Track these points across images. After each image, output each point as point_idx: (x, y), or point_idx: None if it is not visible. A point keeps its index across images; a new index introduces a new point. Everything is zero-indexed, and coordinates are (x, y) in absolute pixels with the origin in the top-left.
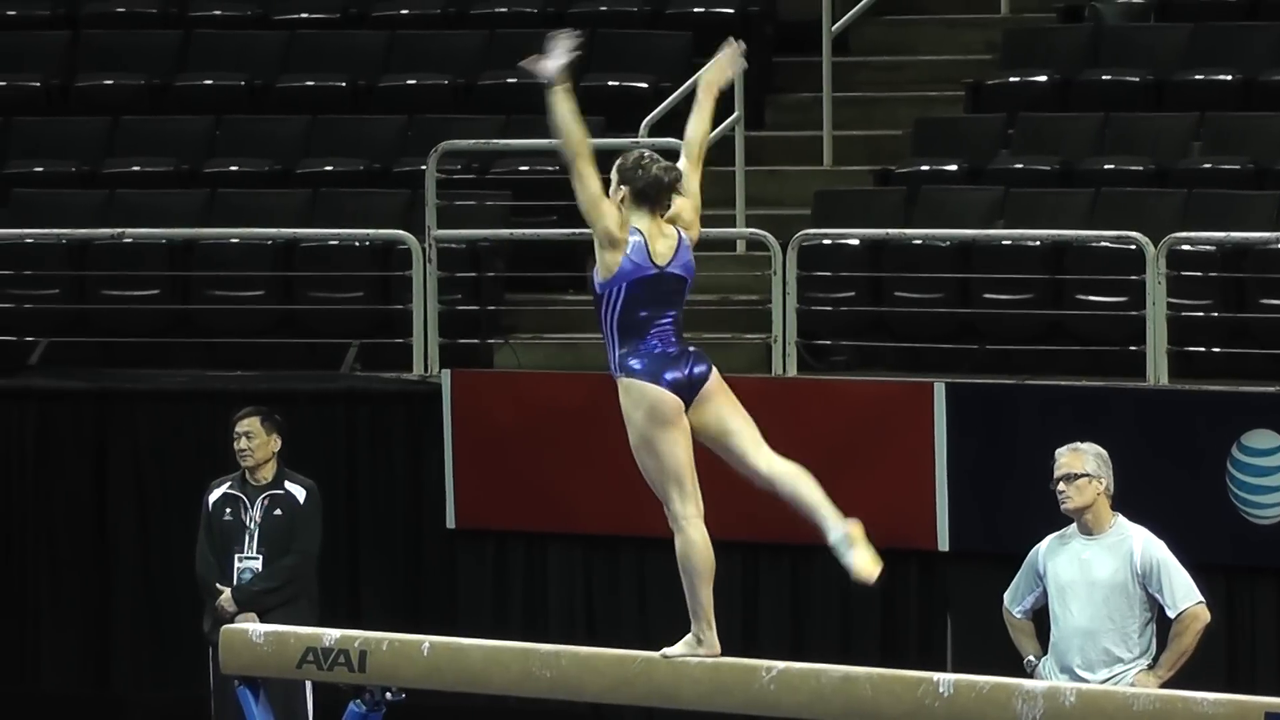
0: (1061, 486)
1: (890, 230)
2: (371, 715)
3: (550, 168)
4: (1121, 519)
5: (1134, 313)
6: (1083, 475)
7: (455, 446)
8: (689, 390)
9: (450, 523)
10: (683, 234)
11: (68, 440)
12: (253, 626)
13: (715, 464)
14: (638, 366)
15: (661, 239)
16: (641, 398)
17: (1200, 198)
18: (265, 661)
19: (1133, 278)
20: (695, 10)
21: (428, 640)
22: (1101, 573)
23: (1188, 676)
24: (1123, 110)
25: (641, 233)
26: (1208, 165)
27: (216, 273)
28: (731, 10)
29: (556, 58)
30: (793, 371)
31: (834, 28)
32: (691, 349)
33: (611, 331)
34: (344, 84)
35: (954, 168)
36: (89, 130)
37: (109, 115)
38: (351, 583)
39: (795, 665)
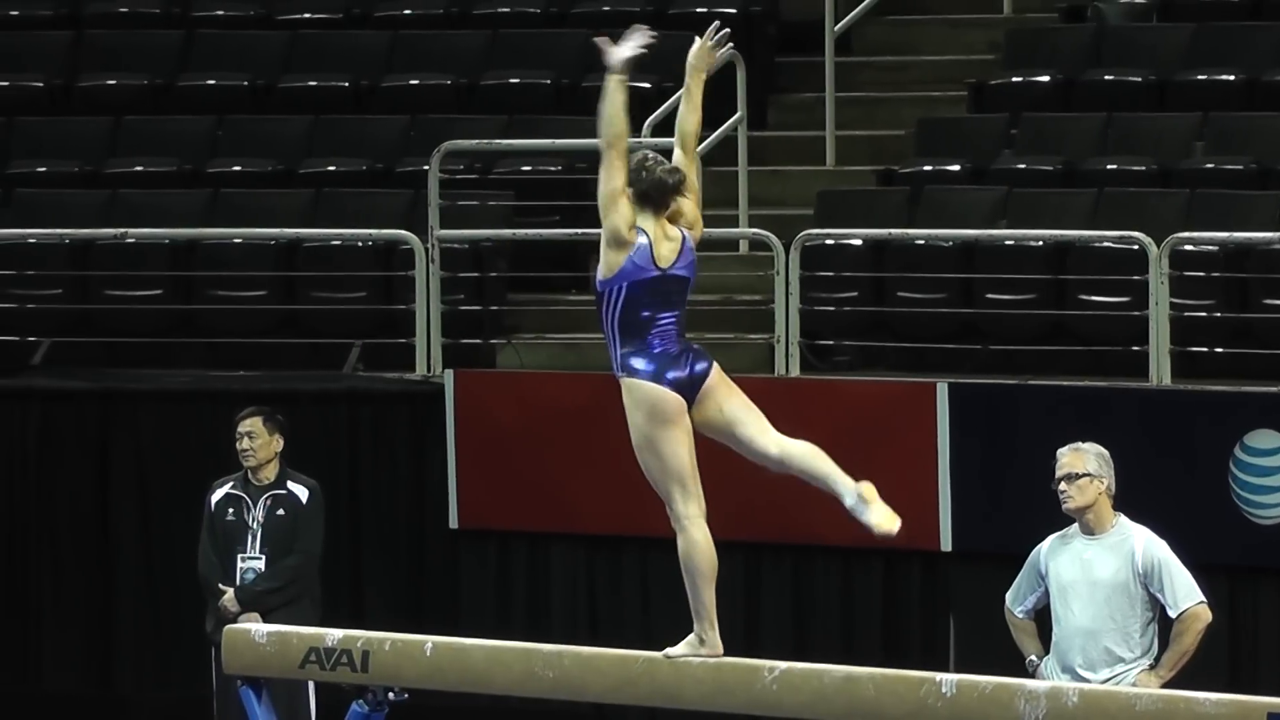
0: (1063, 486)
1: (893, 230)
2: (374, 715)
3: (553, 168)
4: (1123, 519)
5: (1136, 313)
6: (1084, 475)
7: (458, 446)
8: (690, 388)
9: (453, 523)
10: (687, 235)
11: (70, 440)
12: (255, 626)
13: (717, 464)
14: (640, 366)
15: (666, 241)
16: (643, 398)
17: (1203, 198)
18: (268, 661)
19: (1135, 278)
20: (698, 10)
21: (430, 640)
22: (1103, 572)
23: (1190, 677)
24: (1125, 110)
25: (647, 235)
26: (1210, 165)
27: (219, 273)
28: (734, 10)
29: (626, 49)
30: (795, 372)
31: (837, 28)
32: (692, 347)
33: (612, 330)
34: (346, 84)
35: (957, 168)
36: (91, 130)
37: (111, 115)
38: (354, 583)
39: (798, 665)
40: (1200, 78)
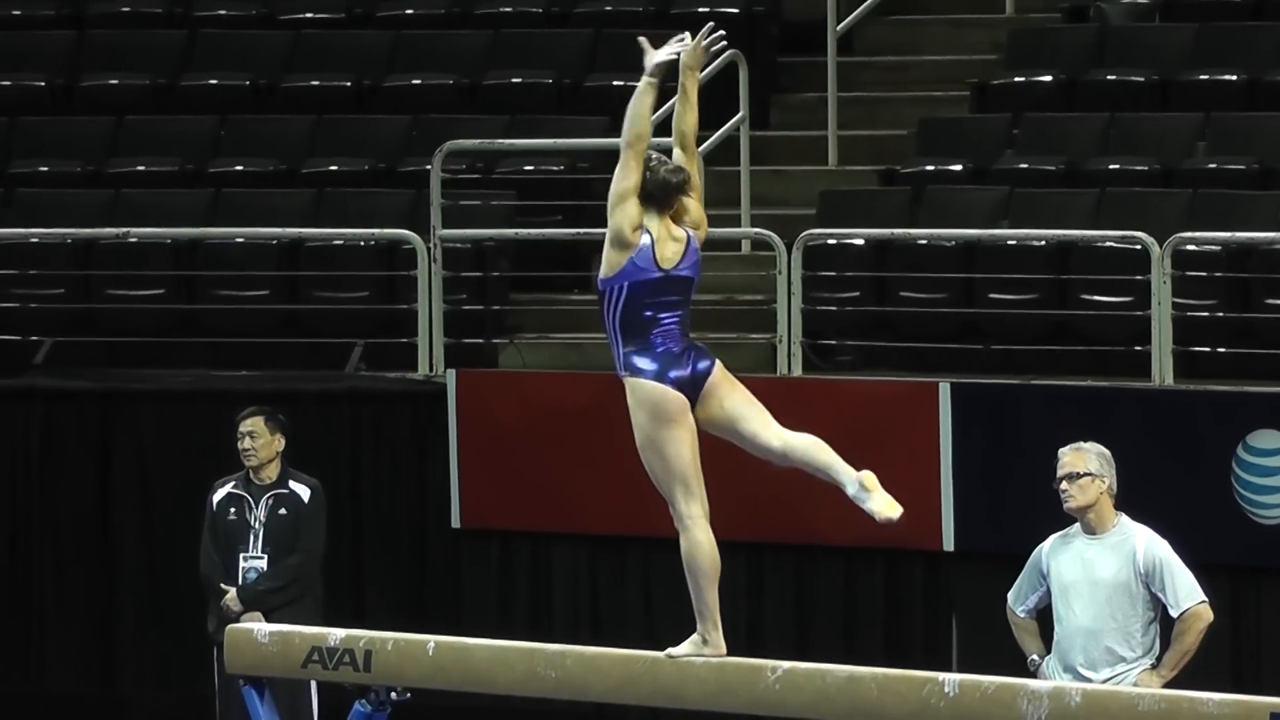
0: (1064, 485)
1: (895, 230)
2: (376, 715)
3: (555, 167)
4: (1125, 518)
5: (1139, 313)
6: (1085, 474)
7: (460, 446)
8: (693, 387)
9: (455, 522)
10: (692, 235)
11: (72, 440)
12: (258, 626)
13: (720, 463)
14: (642, 366)
15: (670, 242)
16: (646, 397)
17: (1205, 198)
18: (270, 661)
19: (1138, 278)
20: (700, 10)
21: (433, 640)
22: (1104, 572)
23: (1193, 676)
24: (1128, 110)
25: (650, 235)
26: (1213, 165)
27: (221, 272)
28: (736, 10)
29: (662, 52)
30: (798, 371)
31: (839, 27)
32: (695, 345)
33: (614, 329)
34: (349, 84)
35: (959, 168)
36: (94, 130)
37: (114, 115)
38: (356, 582)
39: (800, 665)
40: (1203, 78)
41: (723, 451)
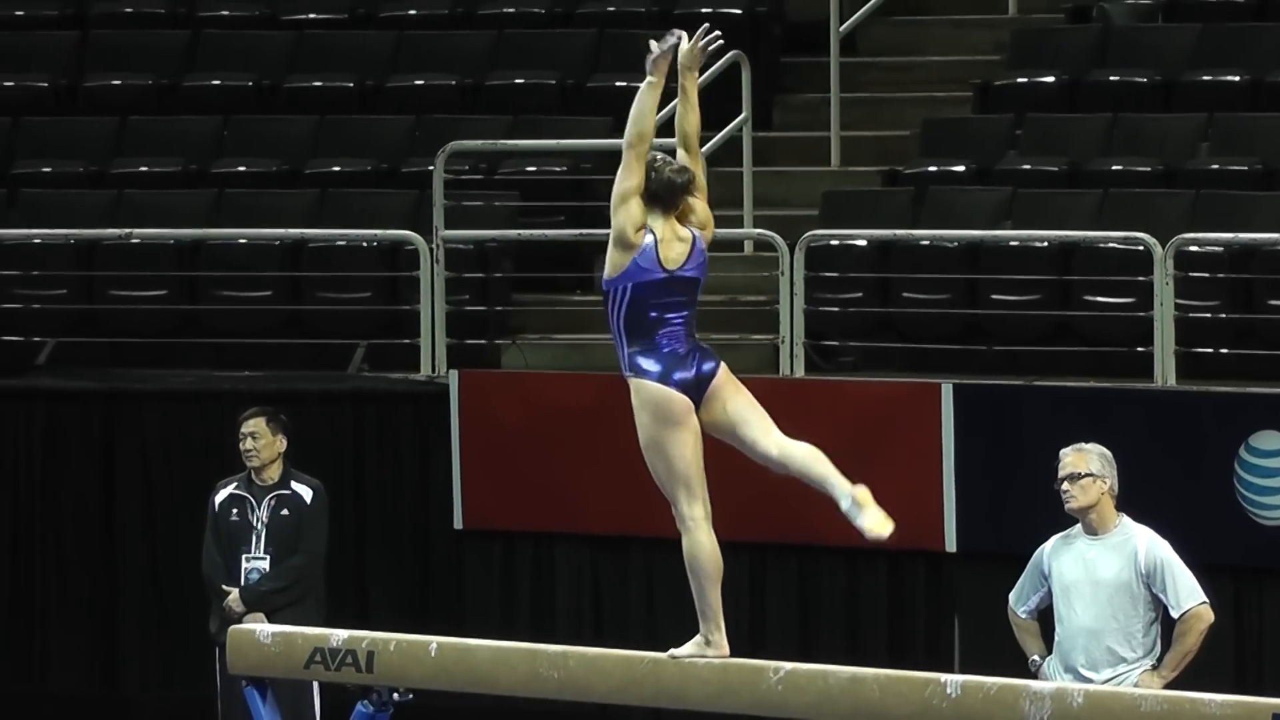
0: (1066, 486)
1: (898, 231)
2: (379, 715)
3: (558, 168)
4: (1126, 519)
5: (1141, 314)
6: (1087, 475)
7: (463, 447)
8: (697, 389)
9: (458, 523)
10: (698, 235)
11: (75, 440)
12: (260, 627)
13: (722, 464)
14: (647, 366)
15: (676, 242)
16: (650, 398)
17: (1208, 198)
18: (273, 662)
19: (1140, 279)
20: (703, 11)
21: (435, 641)
22: (1106, 572)
23: (1195, 677)
24: (1131, 111)
25: (654, 235)
26: (1216, 166)
27: (224, 273)
28: (739, 11)
29: (656, 50)
30: (800, 372)
31: (842, 28)
32: (700, 347)
33: (619, 330)
34: (352, 84)
35: (962, 168)
36: (97, 130)
37: (117, 115)
38: (359, 583)
39: (803, 666)
40: (1205, 78)
41: (726, 452)
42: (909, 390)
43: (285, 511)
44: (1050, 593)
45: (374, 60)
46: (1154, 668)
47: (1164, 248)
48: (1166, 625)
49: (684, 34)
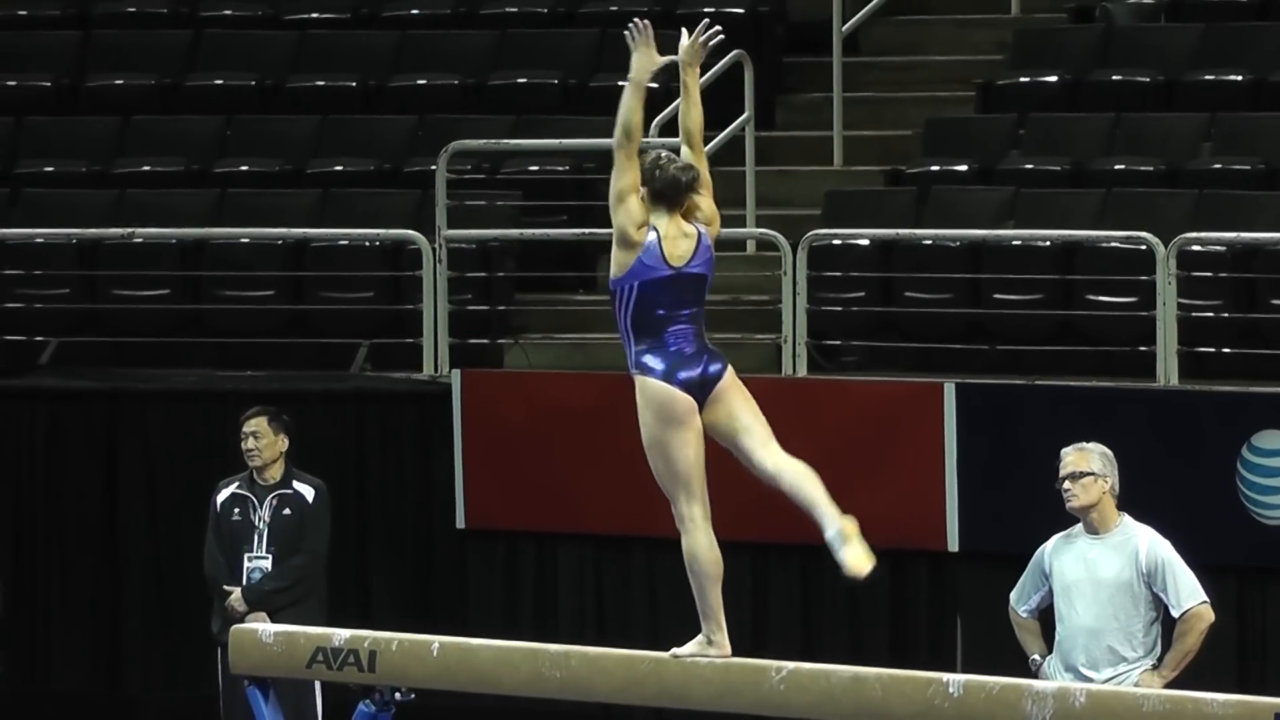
0: (1067, 485)
1: (900, 230)
2: (381, 715)
3: (561, 167)
4: (1127, 518)
5: (1144, 313)
6: (1088, 474)
7: (465, 446)
8: (702, 389)
9: (460, 523)
10: (703, 231)
11: (78, 440)
12: (262, 626)
13: (725, 463)
14: (652, 365)
15: (682, 239)
16: (654, 397)
17: (1210, 198)
18: (275, 661)
19: (1143, 278)
20: (705, 10)
21: (437, 640)
22: (1107, 572)
23: (1197, 677)
24: (1133, 110)
25: (658, 233)
26: (1218, 166)
27: (227, 273)
28: (742, 10)
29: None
30: (803, 372)
31: (844, 28)
32: (709, 348)
33: (627, 329)
34: (354, 84)
35: (964, 168)
36: (99, 130)
37: (119, 115)
38: (361, 583)
39: (805, 666)
40: (1208, 78)
41: (728, 451)
42: (911, 390)
43: (287, 511)
44: (1051, 592)
45: (376, 60)
46: (1154, 667)
47: (1166, 247)
48: (1167, 625)
49: (684, 29)
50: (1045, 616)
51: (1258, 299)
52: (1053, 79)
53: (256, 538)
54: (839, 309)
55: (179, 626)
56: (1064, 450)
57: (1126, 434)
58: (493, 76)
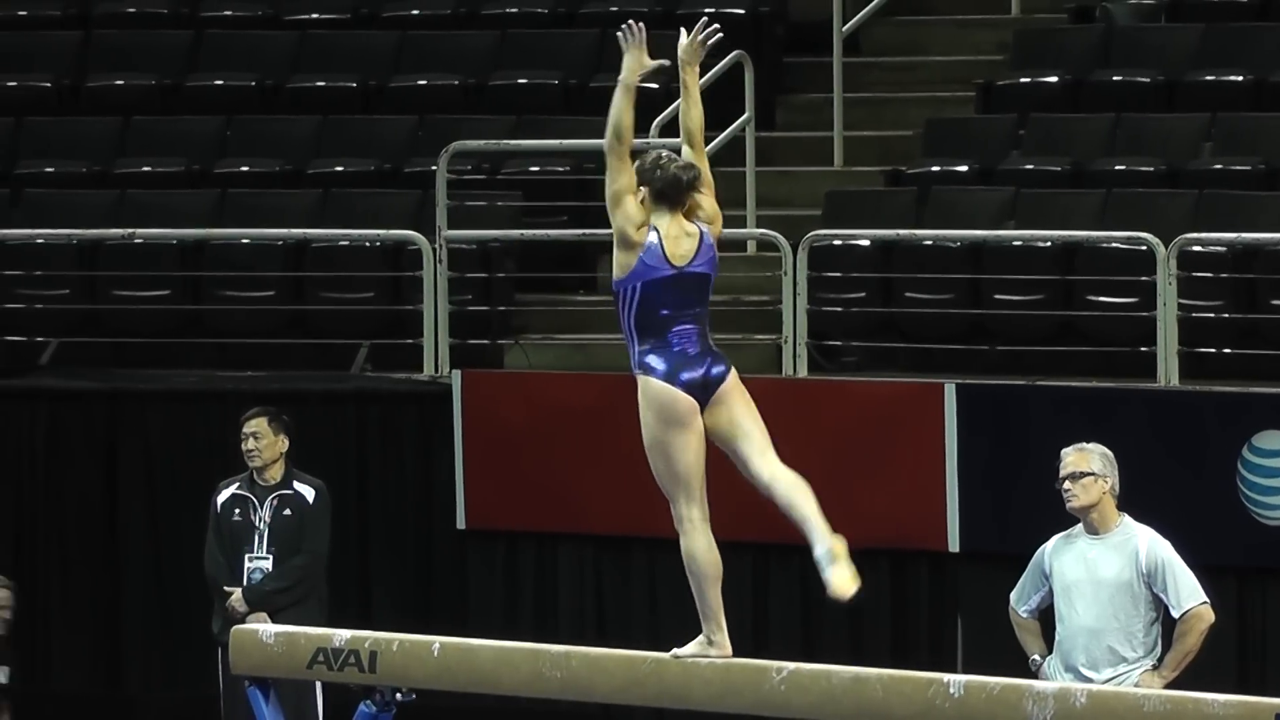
0: (1067, 485)
1: (901, 231)
2: (382, 715)
3: (561, 168)
4: (1127, 519)
5: (1145, 313)
6: (1088, 474)
7: (465, 447)
8: (704, 391)
9: (461, 523)
10: (705, 230)
11: (78, 440)
12: (263, 627)
13: (727, 462)
14: (655, 365)
15: (684, 238)
16: (655, 397)
17: (1211, 198)
18: (276, 662)
19: (1143, 278)
20: (706, 10)
21: (438, 641)
22: (1107, 572)
23: (1197, 677)
24: (1134, 111)
25: (659, 233)
26: (1219, 166)
27: (227, 273)
28: (742, 11)
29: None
30: (803, 372)
31: (845, 28)
32: (713, 350)
33: (630, 330)
34: (355, 84)
35: (965, 168)
36: (100, 130)
37: (120, 115)
38: (362, 583)
39: (806, 666)
40: (1209, 78)
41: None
42: (912, 390)
43: (288, 511)
44: (1051, 592)
45: (377, 60)
46: (1154, 668)
47: (1167, 248)
48: (1167, 625)
49: (683, 29)
50: (1045, 616)
51: (1258, 299)
52: (1053, 79)
53: (257, 538)
54: (839, 309)
55: (179, 627)
56: (1064, 450)
57: (1127, 434)
58: (493, 77)
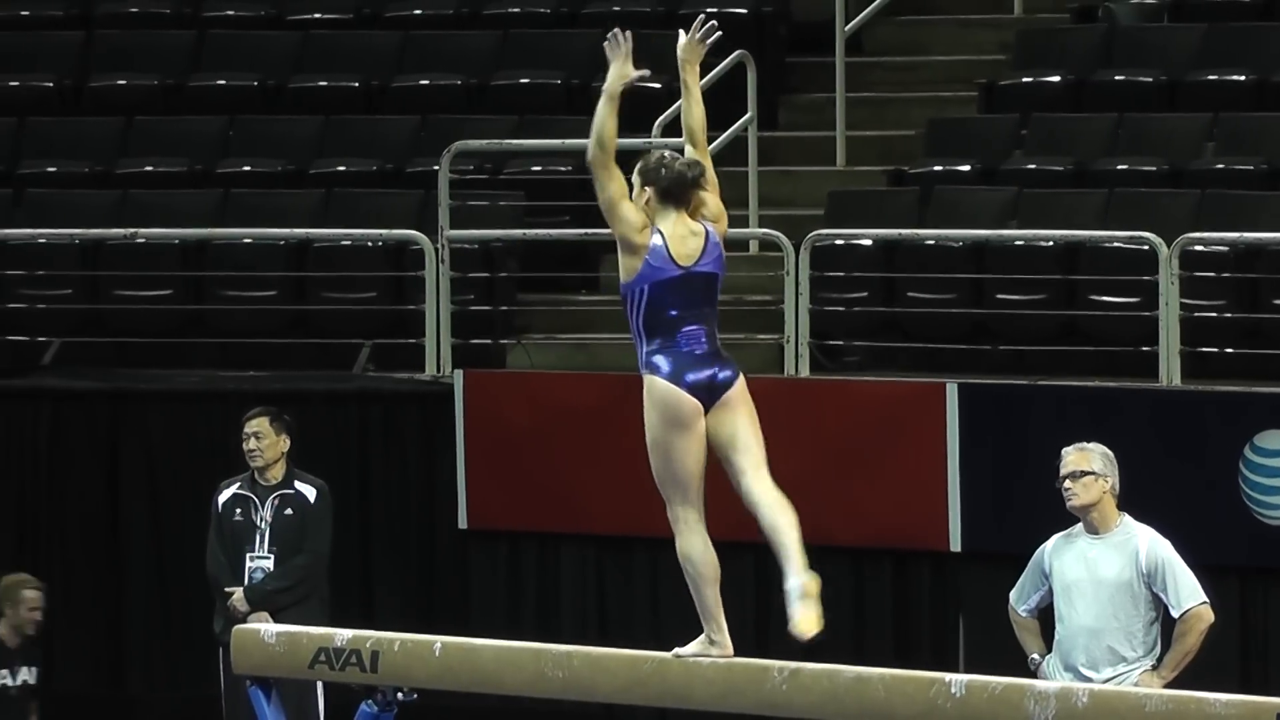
0: (1067, 484)
1: (903, 230)
2: (383, 715)
3: (563, 168)
4: (1128, 518)
5: (1147, 313)
6: (1089, 473)
7: (468, 447)
8: (709, 393)
9: (462, 523)
10: (711, 229)
11: (81, 440)
12: (265, 626)
13: None
14: (661, 365)
15: (690, 238)
16: (660, 398)
17: (1213, 198)
18: (277, 661)
19: (1146, 278)
20: (709, 10)
21: (440, 641)
22: (1107, 571)
23: (1200, 677)
24: (1136, 111)
25: (663, 234)
26: (1221, 166)
27: (229, 273)
28: (745, 10)
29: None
30: (805, 372)
31: (847, 28)
32: (721, 354)
33: (638, 331)
34: (357, 84)
35: (967, 168)
36: (102, 130)
37: (122, 115)
38: (364, 583)
39: (808, 666)
40: (1211, 78)
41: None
42: (914, 390)
43: (289, 511)
44: (1051, 591)
45: (379, 60)
46: (1154, 668)
47: (1169, 247)
48: (1167, 625)
49: (681, 31)
50: (1045, 616)
51: (1260, 299)
52: (1055, 79)
53: (258, 538)
54: (841, 309)
55: (181, 627)
56: (1065, 450)
57: (1129, 434)
58: (495, 77)
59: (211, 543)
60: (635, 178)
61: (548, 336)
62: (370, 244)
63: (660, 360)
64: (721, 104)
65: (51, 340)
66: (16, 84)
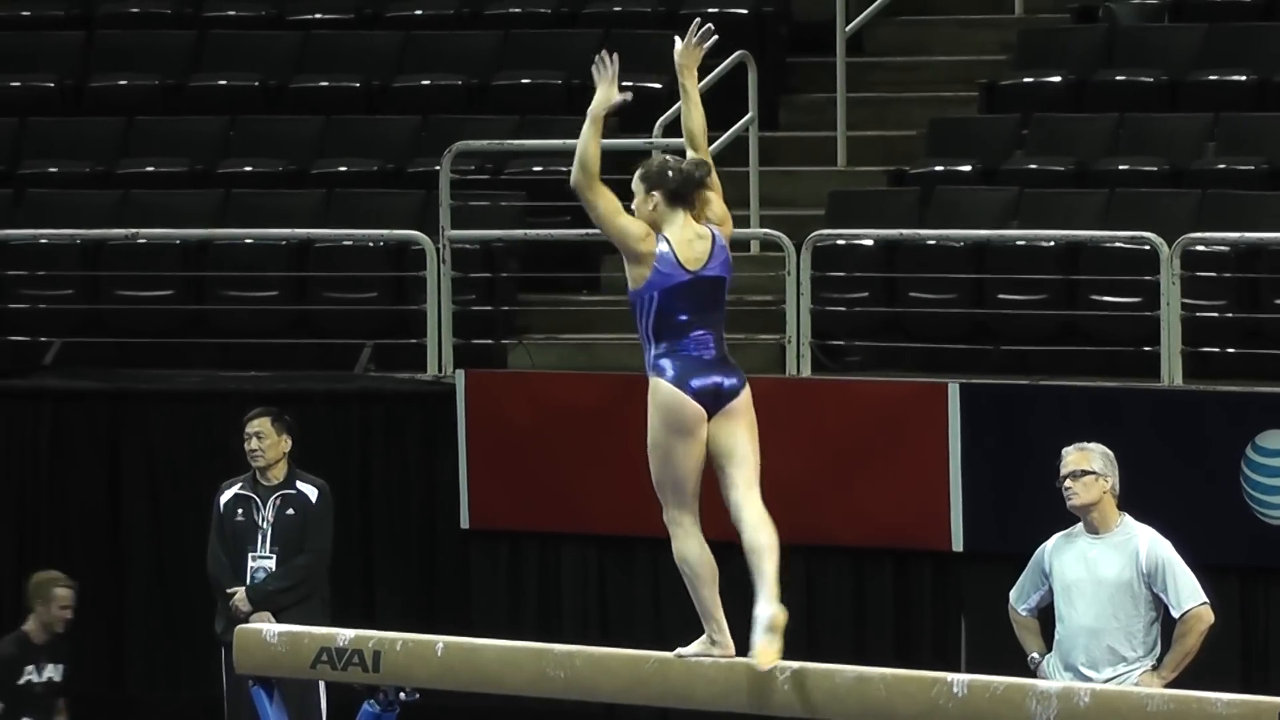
0: (1068, 483)
1: (904, 231)
2: (385, 715)
3: (564, 168)
4: (1128, 518)
5: (1148, 313)
6: (1089, 472)
7: (469, 447)
8: (714, 400)
9: (464, 523)
10: (717, 232)
11: (82, 440)
12: (267, 626)
13: None
14: (666, 368)
15: (696, 241)
16: (663, 402)
17: (1215, 198)
18: (279, 661)
19: (1147, 278)
20: (709, 10)
21: (441, 640)
22: (1107, 571)
23: (1201, 677)
24: (1137, 111)
25: (669, 240)
26: (1222, 166)
27: (230, 273)
28: (745, 10)
29: (610, 91)
30: (807, 372)
31: (848, 28)
32: (729, 361)
33: (647, 335)
34: (358, 84)
35: (968, 168)
36: (103, 130)
37: (123, 115)
38: (366, 583)
39: (809, 665)
40: (1212, 78)
41: None
42: (916, 390)
43: (291, 511)
44: (1051, 591)
45: (380, 60)
46: (1154, 668)
47: (1170, 247)
48: (1167, 625)
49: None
50: (1045, 615)
51: (1261, 299)
52: (1057, 79)
53: (260, 538)
54: (843, 309)
55: (183, 627)
56: (1065, 449)
57: (1130, 434)
58: (496, 77)
59: (213, 543)
60: (637, 184)
61: (549, 337)
62: (371, 244)
63: (667, 363)
64: (722, 104)
65: (53, 340)
66: (17, 84)
